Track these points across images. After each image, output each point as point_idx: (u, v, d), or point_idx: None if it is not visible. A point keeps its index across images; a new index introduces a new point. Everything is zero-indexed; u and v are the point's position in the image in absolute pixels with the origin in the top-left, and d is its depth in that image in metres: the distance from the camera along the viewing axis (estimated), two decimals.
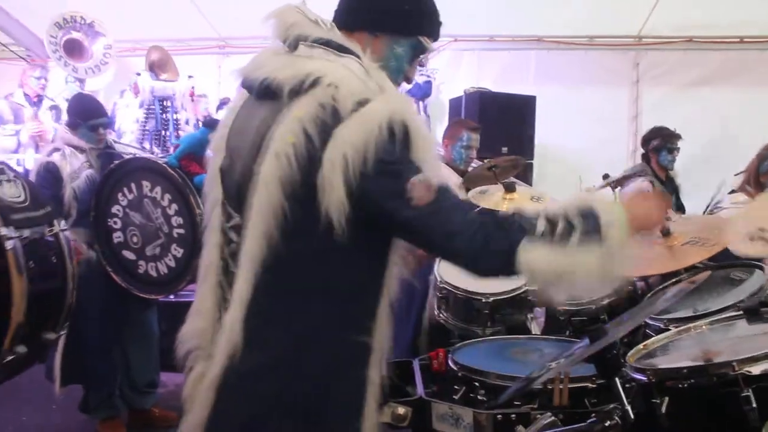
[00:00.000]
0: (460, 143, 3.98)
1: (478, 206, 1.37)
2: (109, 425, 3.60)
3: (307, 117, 1.31)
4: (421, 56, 1.55)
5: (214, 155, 1.57)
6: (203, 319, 1.51)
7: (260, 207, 1.35)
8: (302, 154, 1.31)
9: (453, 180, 3.89)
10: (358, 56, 1.40)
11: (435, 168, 1.36)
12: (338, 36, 1.43)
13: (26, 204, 2.48)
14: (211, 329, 1.49)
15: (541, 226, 1.28)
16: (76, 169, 3.44)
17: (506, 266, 1.29)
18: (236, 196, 1.46)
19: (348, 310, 1.39)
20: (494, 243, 1.29)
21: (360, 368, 1.40)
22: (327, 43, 1.41)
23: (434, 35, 1.56)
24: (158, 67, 5.88)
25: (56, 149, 3.49)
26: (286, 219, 1.33)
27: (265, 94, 1.42)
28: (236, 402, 1.39)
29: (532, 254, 1.27)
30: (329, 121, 1.30)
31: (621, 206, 1.34)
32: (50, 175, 3.36)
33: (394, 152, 1.30)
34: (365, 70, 1.39)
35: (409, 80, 1.59)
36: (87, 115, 3.53)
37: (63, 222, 2.63)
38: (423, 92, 6.58)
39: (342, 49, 1.41)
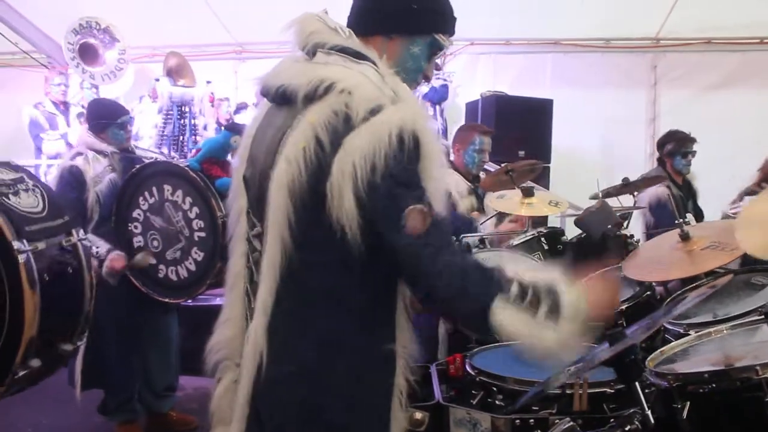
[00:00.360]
0: (473, 147, 3.96)
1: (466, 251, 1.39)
2: (127, 429, 3.63)
3: (319, 123, 1.32)
4: (439, 53, 1.54)
5: (239, 164, 1.58)
6: (232, 328, 1.52)
7: (274, 215, 1.37)
8: (312, 160, 1.32)
9: (462, 187, 3.86)
10: (374, 62, 1.40)
11: (440, 185, 1.37)
12: (356, 43, 1.43)
13: (43, 214, 2.46)
14: (240, 338, 1.50)
15: (514, 290, 1.29)
16: (99, 173, 3.45)
17: (479, 318, 1.30)
18: (257, 204, 1.47)
19: (368, 318, 1.38)
20: (471, 293, 1.29)
21: (386, 376, 1.40)
22: (343, 50, 1.41)
23: (449, 31, 1.55)
24: (176, 72, 5.94)
25: (79, 153, 3.51)
26: (296, 227, 1.35)
27: (282, 100, 1.43)
28: (265, 412, 1.40)
29: (503, 315, 1.28)
30: (341, 128, 1.31)
31: (582, 294, 1.33)
32: (74, 178, 3.38)
33: (403, 164, 1.29)
34: (381, 77, 1.38)
35: (428, 78, 1.58)
36: (114, 114, 3.57)
37: (81, 231, 2.63)
38: (440, 96, 6.58)
39: (358, 56, 1.41)
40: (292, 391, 1.37)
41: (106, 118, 3.55)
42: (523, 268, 1.34)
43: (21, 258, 2.20)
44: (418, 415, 1.81)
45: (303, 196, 1.33)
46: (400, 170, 1.29)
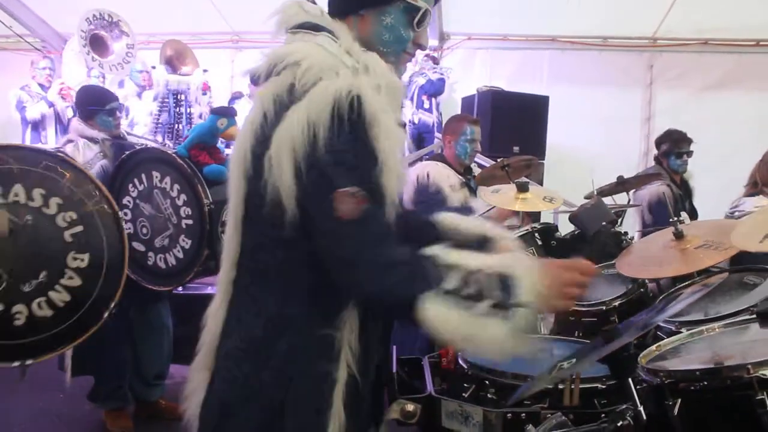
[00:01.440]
0: (464, 137, 3.94)
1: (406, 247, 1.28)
2: (116, 416, 3.63)
3: (266, 96, 1.31)
4: (419, 15, 1.42)
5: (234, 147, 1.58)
6: (217, 297, 1.52)
7: (233, 191, 1.38)
8: (258, 134, 1.31)
9: (452, 180, 3.85)
10: (331, 33, 1.37)
11: (395, 158, 1.27)
12: (321, 18, 1.40)
13: None
14: None
15: (451, 282, 1.22)
16: (90, 159, 3.45)
17: (405, 315, 1.23)
18: None
19: (315, 300, 1.33)
20: (395, 290, 1.23)
21: (325, 362, 1.32)
22: (302, 26, 1.39)
23: None
24: (177, 59, 5.96)
25: (69, 141, 3.54)
26: (247, 204, 1.35)
27: (253, 83, 1.44)
28: (218, 384, 1.41)
29: (431, 311, 1.20)
30: (285, 99, 1.28)
31: (541, 282, 1.24)
32: None
33: (344, 136, 1.23)
34: (340, 46, 1.35)
35: (421, 47, 1.49)
36: (103, 101, 3.59)
37: None
38: (436, 89, 6.58)
39: (317, 28, 1.38)
40: (238, 366, 1.36)
41: (94, 105, 3.57)
42: (481, 258, 1.28)
43: None
44: (410, 406, 1.80)
45: (250, 172, 1.32)
46: (342, 145, 1.23)
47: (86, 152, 3.47)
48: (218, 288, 1.45)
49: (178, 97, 5.79)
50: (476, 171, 4.19)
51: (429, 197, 3.81)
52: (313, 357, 1.33)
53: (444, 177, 3.83)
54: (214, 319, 1.43)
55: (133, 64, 6.21)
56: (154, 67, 6.04)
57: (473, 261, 1.26)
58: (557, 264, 1.33)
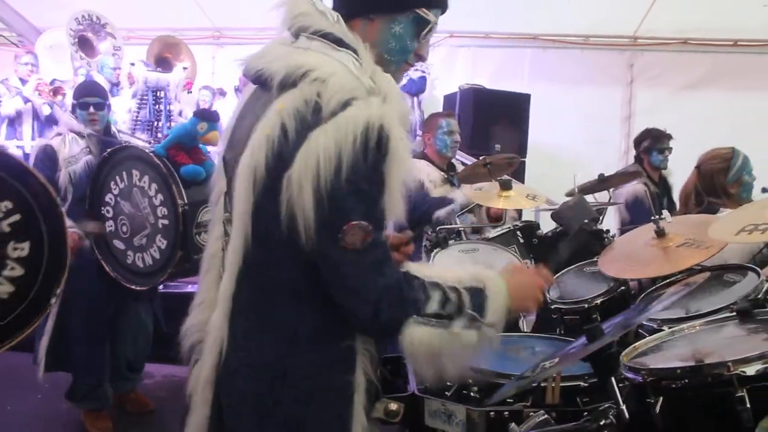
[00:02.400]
0: (441, 130, 3.97)
1: (398, 268, 1.34)
2: (95, 416, 3.60)
3: (287, 110, 1.27)
4: (427, 29, 1.43)
5: (221, 145, 1.54)
6: (206, 311, 1.48)
7: (237, 203, 1.33)
8: (275, 149, 1.27)
9: (434, 176, 3.88)
10: (354, 51, 1.34)
11: (401, 191, 1.30)
12: (341, 29, 1.36)
13: None
14: None
15: (432, 305, 1.30)
16: (76, 153, 3.48)
17: (390, 335, 1.31)
18: (230, 189, 1.43)
19: (328, 315, 1.33)
20: (386, 316, 1.28)
21: (345, 373, 1.36)
22: (326, 36, 1.35)
23: (434, 4, 1.44)
24: (172, 55, 6.01)
25: (58, 134, 3.56)
26: (257, 219, 1.31)
27: (261, 84, 1.39)
28: (225, 399, 1.38)
29: (416, 334, 1.28)
30: (309, 118, 1.25)
31: (507, 289, 1.37)
32: (46, 157, 3.42)
33: (363, 168, 1.23)
34: (362, 67, 1.32)
35: (422, 58, 1.49)
36: (79, 94, 3.61)
37: None
38: (417, 88, 6.59)
39: (339, 43, 1.34)
40: (250, 384, 1.34)
41: (75, 98, 3.62)
42: (453, 273, 1.35)
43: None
44: (393, 405, 1.79)
45: (264, 187, 1.28)
46: (360, 175, 1.23)
47: (73, 146, 3.49)
48: (220, 299, 1.40)
49: (158, 94, 5.74)
50: (459, 168, 4.20)
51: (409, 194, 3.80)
52: (333, 370, 1.34)
53: (424, 174, 3.86)
54: (217, 333, 1.39)
55: (107, 58, 6.21)
56: (133, 64, 5.98)
57: (449, 276, 1.34)
58: (523, 270, 1.47)
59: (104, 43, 6.28)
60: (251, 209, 1.31)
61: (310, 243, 1.26)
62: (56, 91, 6.10)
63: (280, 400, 1.32)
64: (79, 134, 3.53)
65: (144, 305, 3.78)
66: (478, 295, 1.33)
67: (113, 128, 3.80)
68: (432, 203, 3.66)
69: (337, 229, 1.23)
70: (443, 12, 1.48)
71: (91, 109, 3.54)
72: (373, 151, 1.23)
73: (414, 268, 1.35)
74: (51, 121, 6.04)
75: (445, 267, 1.40)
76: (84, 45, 6.20)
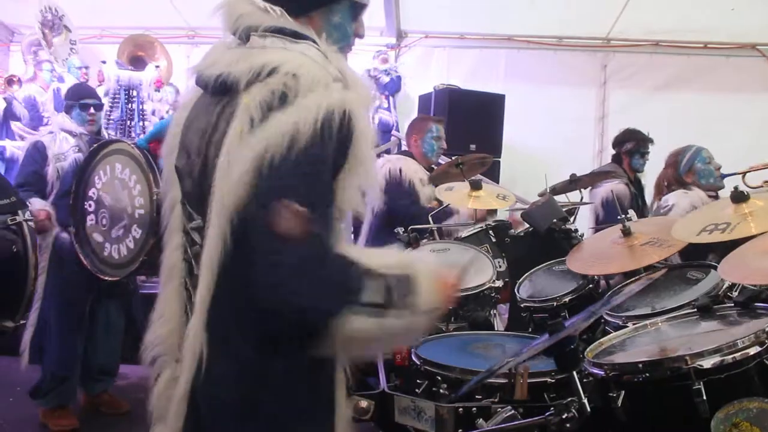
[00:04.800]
0: (430, 134, 4.01)
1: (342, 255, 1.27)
2: (58, 414, 3.59)
3: (254, 103, 1.26)
4: (363, 10, 1.45)
5: (168, 154, 1.50)
6: (168, 324, 1.45)
7: (216, 208, 1.29)
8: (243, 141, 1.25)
9: (421, 175, 3.92)
10: (314, 41, 1.35)
11: (371, 172, 1.30)
12: (290, 22, 1.36)
13: None
14: (178, 333, 1.43)
15: (367, 295, 1.23)
16: (65, 151, 3.63)
17: (325, 332, 1.23)
18: (196, 196, 1.39)
19: None
20: (315, 309, 1.22)
21: (325, 371, 1.35)
22: (279, 31, 1.34)
23: None
24: (146, 54, 5.94)
25: (50, 132, 3.74)
26: (237, 222, 1.26)
27: (222, 90, 1.36)
28: (206, 409, 1.35)
29: (351, 325, 1.22)
30: (275, 105, 1.24)
31: (433, 280, 1.31)
32: (36, 152, 3.62)
33: (319, 149, 1.21)
34: (324, 55, 1.33)
35: (360, 36, 1.49)
36: (78, 96, 3.77)
37: (28, 212, 2.64)
38: (395, 88, 6.65)
39: (296, 35, 1.34)
40: (232, 389, 1.31)
41: (72, 99, 3.78)
42: (381, 259, 1.30)
43: None
44: (363, 403, 1.82)
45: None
46: (312, 158, 1.21)
47: (62, 144, 3.65)
48: (197, 307, 1.35)
49: (130, 93, 5.69)
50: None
51: (399, 190, 3.83)
52: (314, 369, 1.32)
53: (413, 172, 3.90)
54: (191, 343, 1.34)
55: (72, 58, 6.15)
56: (104, 62, 5.92)
57: (380, 263, 1.28)
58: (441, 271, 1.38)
59: (59, 37, 6.18)
60: (232, 211, 1.26)
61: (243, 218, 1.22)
62: (9, 81, 6.02)
63: (263, 403, 1.30)
64: (71, 133, 3.68)
65: (115, 304, 3.78)
66: (407, 283, 1.27)
67: (103, 130, 3.99)
68: (427, 213, 3.67)
69: (267, 207, 1.18)
70: None
71: (92, 110, 3.73)
72: (333, 135, 1.23)
73: (349, 253, 1.29)
74: (9, 116, 5.98)
75: (373, 253, 1.33)
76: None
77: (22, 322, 2.59)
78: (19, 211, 2.58)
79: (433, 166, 4.17)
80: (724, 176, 3.89)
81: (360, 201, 1.31)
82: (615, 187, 4.36)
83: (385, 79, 6.61)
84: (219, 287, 1.32)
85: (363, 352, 1.37)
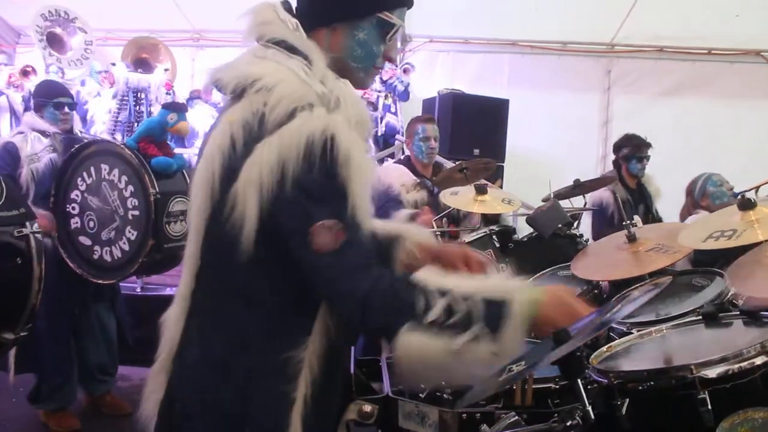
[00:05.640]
0: (417, 136, 4.00)
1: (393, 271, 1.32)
2: (60, 416, 3.58)
3: (236, 122, 1.28)
4: (392, 31, 1.42)
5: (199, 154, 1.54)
6: (177, 305, 1.50)
7: (192, 209, 1.37)
8: (225, 160, 1.29)
9: (405, 179, 3.88)
10: (306, 57, 1.34)
11: (363, 197, 1.28)
12: (298, 36, 1.36)
13: None
14: None
15: (435, 313, 1.21)
16: (38, 151, 3.47)
17: (387, 339, 1.26)
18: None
19: (278, 322, 1.34)
20: (373, 319, 1.24)
21: (283, 383, 1.32)
22: (280, 43, 1.35)
23: (395, 5, 1.41)
24: (150, 57, 5.93)
25: (20, 132, 3.54)
26: (209, 226, 1.34)
27: (220, 93, 1.41)
28: (176, 397, 1.41)
29: (411, 342, 1.21)
30: (255, 129, 1.26)
31: (538, 304, 1.27)
32: (8, 154, 3.41)
33: (313, 175, 1.22)
34: (313, 73, 1.32)
35: (391, 60, 1.48)
36: (52, 94, 3.60)
37: (36, 224, 2.61)
38: (407, 96, 6.67)
39: (293, 50, 1.34)
40: (198, 380, 1.37)
41: (43, 97, 3.59)
42: (469, 279, 1.29)
43: None
44: (368, 407, 1.81)
45: (215, 197, 1.31)
46: (311, 183, 1.22)
47: (35, 144, 3.48)
48: (177, 296, 1.44)
49: (138, 96, 5.71)
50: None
51: (382, 197, 3.83)
52: (274, 378, 1.32)
53: (396, 176, 3.86)
54: (174, 327, 1.43)
55: (91, 60, 6.12)
56: (113, 64, 5.94)
57: (462, 288, 1.25)
58: (557, 288, 1.37)
59: (75, 38, 6.14)
60: (206, 217, 1.34)
61: (252, 256, 1.27)
62: (25, 73, 6.00)
63: (224, 398, 1.34)
64: (43, 133, 3.53)
65: (105, 305, 3.77)
66: (496, 307, 1.23)
67: (75, 128, 3.82)
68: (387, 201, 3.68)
69: (304, 234, 1.24)
70: (409, 7, 1.45)
71: (66, 109, 3.58)
72: (319, 161, 1.22)
73: (422, 275, 1.29)
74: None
75: (461, 276, 1.32)
76: (54, 41, 6.08)
77: (22, 334, 2.56)
78: (27, 223, 2.57)
79: (437, 164, 4.18)
80: (736, 194, 4.06)
81: (367, 215, 1.31)
82: (600, 194, 4.40)
83: (401, 87, 6.63)
84: (196, 283, 1.40)
85: (426, 376, 1.32)
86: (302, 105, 1.26)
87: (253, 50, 1.40)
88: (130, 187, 3.18)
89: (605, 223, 4.31)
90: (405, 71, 6.69)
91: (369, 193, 1.30)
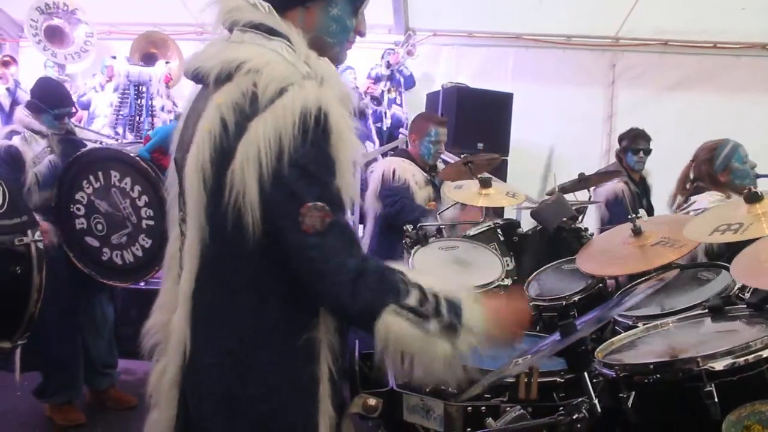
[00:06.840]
0: (428, 138, 4.01)
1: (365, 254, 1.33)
2: (65, 409, 3.59)
3: (225, 104, 1.28)
4: (364, 4, 1.46)
5: (173, 147, 1.54)
6: (167, 312, 1.49)
7: (190, 201, 1.34)
8: (216, 144, 1.28)
9: (418, 177, 3.93)
10: (287, 38, 1.35)
11: (350, 172, 1.31)
12: (273, 19, 1.37)
13: (1, 211, 2.46)
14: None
15: (412, 299, 1.27)
16: (38, 154, 3.42)
17: (368, 323, 1.27)
18: (181, 189, 1.44)
19: (289, 308, 1.34)
20: (362, 298, 1.26)
21: (308, 364, 1.35)
22: (257, 27, 1.36)
23: None
24: (159, 51, 5.92)
25: (15, 132, 3.44)
26: (209, 216, 1.32)
27: (199, 82, 1.41)
28: (192, 399, 1.39)
29: (393, 322, 1.25)
30: (247, 109, 1.26)
31: (485, 313, 1.33)
32: (11, 159, 3.33)
33: (307, 149, 1.24)
34: (296, 53, 1.34)
35: (361, 33, 1.50)
36: (54, 103, 3.49)
37: (38, 233, 2.59)
38: (412, 83, 6.65)
39: (272, 32, 1.36)
40: (216, 381, 1.35)
41: (45, 104, 3.47)
42: (431, 280, 1.33)
43: None
44: (372, 401, 1.80)
45: (211, 183, 1.30)
46: (306, 159, 1.24)
47: (34, 146, 3.42)
48: (181, 297, 1.40)
49: (140, 89, 5.70)
50: (441, 167, 4.23)
51: (394, 191, 3.86)
52: (296, 362, 1.34)
53: (409, 173, 3.90)
54: (176, 334, 1.40)
55: (91, 53, 6.09)
56: (114, 57, 5.92)
57: (429, 281, 1.32)
58: (501, 302, 1.42)
59: (78, 30, 6.08)
60: (204, 207, 1.32)
61: (260, 237, 1.27)
62: (5, 63, 5.93)
63: (246, 394, 1.33)
64: (38, 133, 3.46)
65: (105, 297, 3.79)
66: (455, 308, 1.30)
67: (71, 125, 3.76)
68: (421, 211, 3.69)
69: (294, 214, 1.24)
70: None
71: (65, 120, 3.54)
72: (314, 132, 1.24)
73: (397, 266, 1.34)
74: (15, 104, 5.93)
75: (422, 272, 1.37)
76: (54, 35, 5.99)
77: (20, 342, 2.56)
78: (29, 231, 2.56)
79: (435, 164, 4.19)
80: (759, 176, 3.43)
81: (354, 192, 1.34)
82: (615, 186, 4.36)
83: (407, 72, 6.62)
84: (200, 280, 1.37)
85: (401, 362, 1.35)
86: (291, 83, 1.27)
87: (227, 37, 1.40)
88: (145, 198, 3.23)
89: (624, 215, 4.22)
90: (409, 53, 6.67)
91: (354, 169, 1.33)
